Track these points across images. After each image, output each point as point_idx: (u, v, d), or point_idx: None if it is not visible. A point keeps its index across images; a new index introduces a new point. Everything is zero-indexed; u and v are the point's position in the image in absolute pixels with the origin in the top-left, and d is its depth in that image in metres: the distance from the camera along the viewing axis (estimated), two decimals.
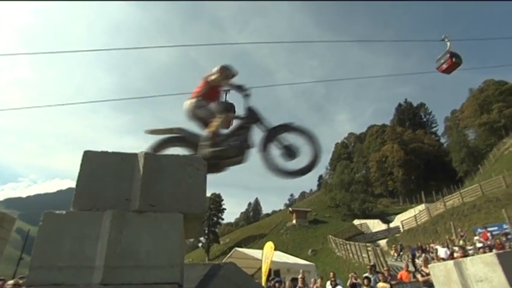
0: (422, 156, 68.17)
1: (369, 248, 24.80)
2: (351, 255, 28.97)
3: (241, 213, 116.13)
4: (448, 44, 7.35)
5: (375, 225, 45.17)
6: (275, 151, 3.74)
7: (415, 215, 36.95)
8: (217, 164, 3.61)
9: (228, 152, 3.57)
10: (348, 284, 10.38)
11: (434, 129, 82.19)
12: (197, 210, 2.70)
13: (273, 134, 3.74)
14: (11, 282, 6.84)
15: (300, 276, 10.83)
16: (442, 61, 7.38)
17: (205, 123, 3.80)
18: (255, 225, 72.96)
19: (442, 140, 77.96)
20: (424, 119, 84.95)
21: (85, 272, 2.15)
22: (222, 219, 69.87)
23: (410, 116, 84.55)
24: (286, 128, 3.79)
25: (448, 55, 7.25)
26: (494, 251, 9.86)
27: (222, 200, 68.91)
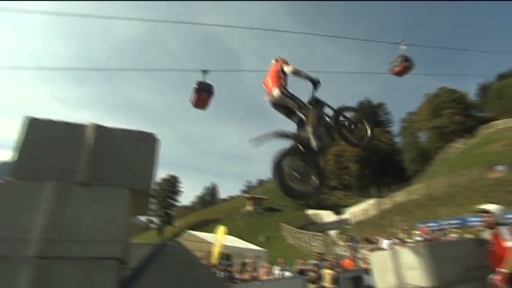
0: (377, 153, 71.04)
1: (319, 238, 25.81)
2: (303, 243, 29.96)
3: (198, 196, 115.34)
4: (403, 48, 7.67)
5: (327, 216, 46.83)
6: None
7: (365, 209, 38.88)
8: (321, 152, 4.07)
9: (328, 142, 4.12)
10: (296, 270, 10.75)
11: (390, 129, 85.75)
12: (145, 187, 2.67)
13: (339, 113, 4.30)
14: None
15: (250, 260, 11.05)
16: (396, 64, 7.71)
17: (288, 111, 4.22)
18: (211, 209, 72.91)
19: (397, 140, 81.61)
20: (383, 118, 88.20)
21: (20, 244, 2.06)
22: (178, 201, 69.13)
23: (370, 114, 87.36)
24: (347, 108, 4.46)
25: (402, 58, 7.58)
26: None
27: (179, 182, 68.00)
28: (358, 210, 41.15)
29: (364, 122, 4.54)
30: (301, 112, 4.20)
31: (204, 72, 6.91)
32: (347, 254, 16.77)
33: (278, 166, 3.69)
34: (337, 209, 49.95)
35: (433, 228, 21.52)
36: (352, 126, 4.35)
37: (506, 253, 3.64)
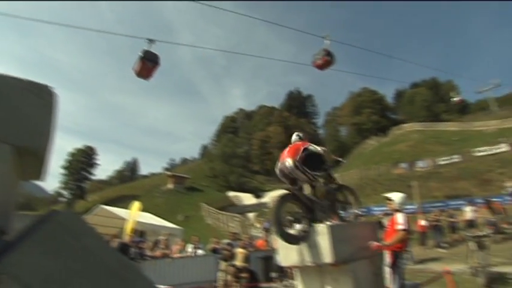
0: None
1: (236, 219, 26.34)
2: (221, 224, 30.34)
3: (117, 171, 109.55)
4: (327, 42, 7.92)
5: (248, 199, 47.91)
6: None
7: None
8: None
9: (328, 217, 4.38)
10: (209, 248, 10.83)
11: (315, 120, 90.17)
12: (36, 146, 2.35)
13: (338, 189, 4.87)
14: None
15: (163, 237, 10.82)
16: (318, 57, 7.96)
17: (294, 182, 4.32)
18: (130, 185, 69.84)
19: (320, 132, 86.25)
20: (309, 110, 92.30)
21: None
22: (93, 174, 64.68)
23: (298, 104, 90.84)
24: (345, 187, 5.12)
25: (324, 52, 7.85)
26: None
27: (96, 154, 63.61)
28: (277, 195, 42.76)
29: (356, 203, 4.97)
30: (309, 184, 4.42)
31: (151, 41, 6.62)
32: (261, 235, 17.38)
33: (278, 213, 3.91)
34: (257, 193, 51.37)
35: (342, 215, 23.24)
36: (346, 205, 4.84)
37: (395, 233, 4.10)
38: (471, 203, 15.97)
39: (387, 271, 4.18)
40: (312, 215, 4.26)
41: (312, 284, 4.18)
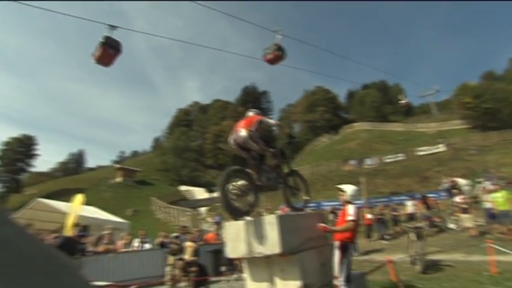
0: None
1: (188, 213, 25.88)
2: (171, 218, 29.64)
3: (60, 163, 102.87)
4: (279, 37, 7.84)
5: (200, 193, 47.35)
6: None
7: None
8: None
9: (272, 185, 4.53)
10: (157, 242, 10.45)
11: (270, 117, 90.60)
12: None
13: (293, 173, 5.12)
14: None
15: (107, 232, 10.25)
16: (269, 51, 7.88)
17: (249, 152, 4.41)
18: (74, 178, 66.02)
19: (274, 128, 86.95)
20: (264, 106, 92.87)
21: None
22: (32, 166, 60.04)
23: (254, 99, 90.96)
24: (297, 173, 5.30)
25: (276, 47, 7.78)
26: None
27: (35, 144, 59.10)
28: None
29: (306, 191, 5.21)
30: (261, 154, 4.48)
31: (112, 27, 6.37)
32: (212, 229, 17.18)
33: (224, 187, 3.85)
34: (210, 187, 50.98)
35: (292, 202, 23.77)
36: (295, 191, 5.01)
37: (344, 222, 4.16)
38: (412, 198, 17.12)
39: (335, 261, 4.20)
40: (258, 187, 4.26)
41: (259, 275, 4.11)
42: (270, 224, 3.76)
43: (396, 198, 23.00)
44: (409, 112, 68.96)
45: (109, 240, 9.60)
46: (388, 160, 34.26)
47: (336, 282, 4.03)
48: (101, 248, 9.02)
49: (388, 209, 16.66)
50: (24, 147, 58.71)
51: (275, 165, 4.63)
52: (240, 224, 4.05)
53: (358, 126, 59.58)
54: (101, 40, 6.43)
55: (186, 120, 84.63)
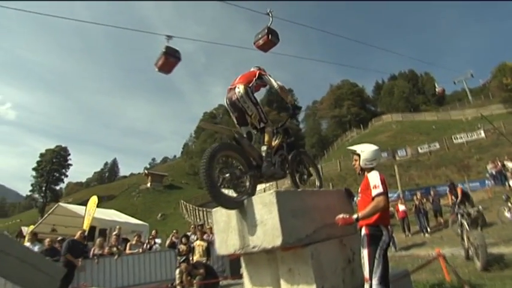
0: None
1: None
2: (201, 221, 29.08)
3: (95, 172, 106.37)
4: (270, 19, 6.75)
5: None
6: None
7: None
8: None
9: (278, 173, 3.46)
10: (167, 243, 9.56)
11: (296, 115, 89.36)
12: None
13: (300, 154, 3.91)
14: None
15: (115, 233, 9.47)
16: (260, 36, 6.83)
17: (242, 119, 3.61)
18: (106, 186, 67.60)
19: (301, 126, 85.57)
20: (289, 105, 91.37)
21: None
22: (66, 175, 61.87)
23: (279, 98, 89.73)
24: (305, 154, 4.08)
25: (266, 31, 6.66)
26: None
27: (69, 155, 60.87)
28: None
29: (317, 176, 4.21)
30: (258, 124, 3.55)
31: (169, 37, 6.71)
32: None
33: (210, 167, 2.76)
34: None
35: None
36: (305, 177, 3.95)
37: (368, 200, 2.88)
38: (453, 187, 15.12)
39: (364, 257, 2.89)
40: (255, 171, 3.22)
41: (260, 278, 3.00)
42: (267, 203, 2.65)
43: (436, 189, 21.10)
44: (441, 101, 65.65)
45: (116, 242, 8.77)
46: (422, 151, 32.09)
47: (367, 286, 2.75)
48: (105, 251, 8.19)
49: (426, 199, 14.85)
50: (58, 158, 60.50)
51: (277, 146, 3.68)
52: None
53: (388, 118, 57.20)
54: (162, 50, 6.62)
55: (213, 124, 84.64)
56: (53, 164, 59.50)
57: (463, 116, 44.09)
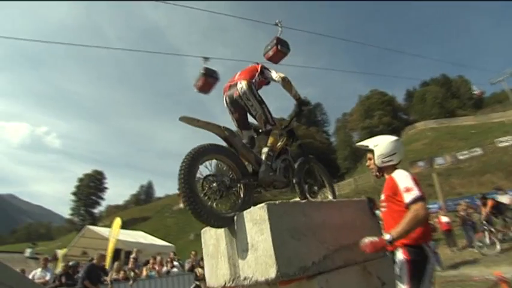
0: (312, 151, 72.33)
1: None
2: None
3: (132, 195, 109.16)
4: (280, 29, 6.38)
5: None
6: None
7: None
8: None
9: (280, 181, 2.88)
10: (187, 266, 8.98)
11: (326, 128, 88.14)
12: None
13: (309, 161, 3.33)
14: None
15: (132, 256, 9.05)
16: (269, 47, 6.41)
17: (244, 120, 3.12)
18: (141, 207, 68.73)
19: (332, 139, 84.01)
20: (319, 118, 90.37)
21: None
22: (103, 198, 63.71)
23: (307, 113, 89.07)
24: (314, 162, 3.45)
25: (275, 41, 6.22)
26: None
27: (105, 179, 62.73)
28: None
29: (330, 188, 3.50)
30: (263, 126, 3.05)
31: (206, 59, 6.89)
32: None
33: (189, 174, 2.19)
34: None
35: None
36: (315, 188, 3.25)
37: (400, 211, 2.12)
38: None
39: (402, 282, 2.09)
40: (250, 179, 2.59)
41: None
42: (257, 221, 2.00)
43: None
44: (478, 104, 62.30)
45: (133, 266, 8.32)
46: (462, 157, 30.05)
47: None
48: (120, 275, 7.74)
49: (473, 210, 13.33)
50: (95, 182, 62.55)
51: (280, 149, 3.09)
52: (219, 229, 2.36)
53: (422, 125, 55.31)
54: (201, 71, 6.56)
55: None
56: (90, 188, 61.51)
57: (505, 118, 41.20)
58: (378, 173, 2.46)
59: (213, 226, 2.28)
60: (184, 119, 2.44)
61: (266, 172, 2.66)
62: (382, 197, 2.35)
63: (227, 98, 3.08)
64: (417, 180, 2.19)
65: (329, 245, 2.14)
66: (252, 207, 2.11)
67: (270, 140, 2.93)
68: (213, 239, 2.47)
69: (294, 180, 2.97)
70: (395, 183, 2.19)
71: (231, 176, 2.49)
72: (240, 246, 2.12)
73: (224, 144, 2.64)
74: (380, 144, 2.41)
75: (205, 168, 2.38)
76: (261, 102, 3.01)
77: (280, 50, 6.27)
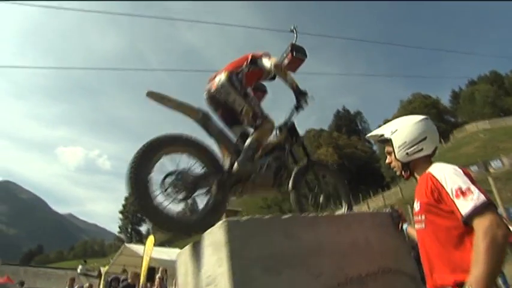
0: (354, 161, 70.50)
1: None
2: None
3: None
4: (295, 35, 5.66)
5: None
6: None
7: None
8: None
9: (264, 180, 2.38)
10: None
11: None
12: None
13: (313, 165, 2.76)
14: None
15: (158, 275, 8.71)
16: (284, 55, 5.68)
17: (230, 114, 2.56)
18: None
19: (375, 148, 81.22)
20: (360, 127, 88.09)
21: None
22: None
23: (347, 122, 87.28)
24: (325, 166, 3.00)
25: (289, 48, 5.50)
26: None
27: None
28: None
29: (345, 197, 2.87)
30: (253, 122, 2.52)
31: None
32: None
33: (140, 167, 1.77)
34: None
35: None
36: (320, 199, 2.67)
37: (452, 230, 1.36)
38: None
39: None
40: (226, 174, 2.09)
41: None
42: (217, 245, 1.39)
43: None
44: None
45: (159, 286, 7.97)
46: None
47: None
48: None
49: None
50: None
51: (274, 145, 2.62)
52: (187, 251, 1.80)
53: (472, 127, 51.48)
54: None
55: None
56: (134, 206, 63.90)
57: None
58: (403, 172, 1.76)
59: (166, 229, 1.84)
60: (152, 95, 2.01)
61: (243, 161, 2.15)
62: (417, 206, 1.60)
63: (205, 94, 2.63)
64: (472, 176, 1.42)
65: (329, 278, 1.45)
66: (214, 227, 1.51)
67: (258, 132, 2.40)
68: (182, 266, 1.90)
69: (290, 185, 2.39)
70: (437, 183, 1.44)
71: (201, 172, 1.99)
72: (202, 279, 1.52)
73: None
74: (400, 129, 1.68)
75: (167, 165, 1.91)
76: (246, 95, 2.54)
77: (296, 57, 5.68)
